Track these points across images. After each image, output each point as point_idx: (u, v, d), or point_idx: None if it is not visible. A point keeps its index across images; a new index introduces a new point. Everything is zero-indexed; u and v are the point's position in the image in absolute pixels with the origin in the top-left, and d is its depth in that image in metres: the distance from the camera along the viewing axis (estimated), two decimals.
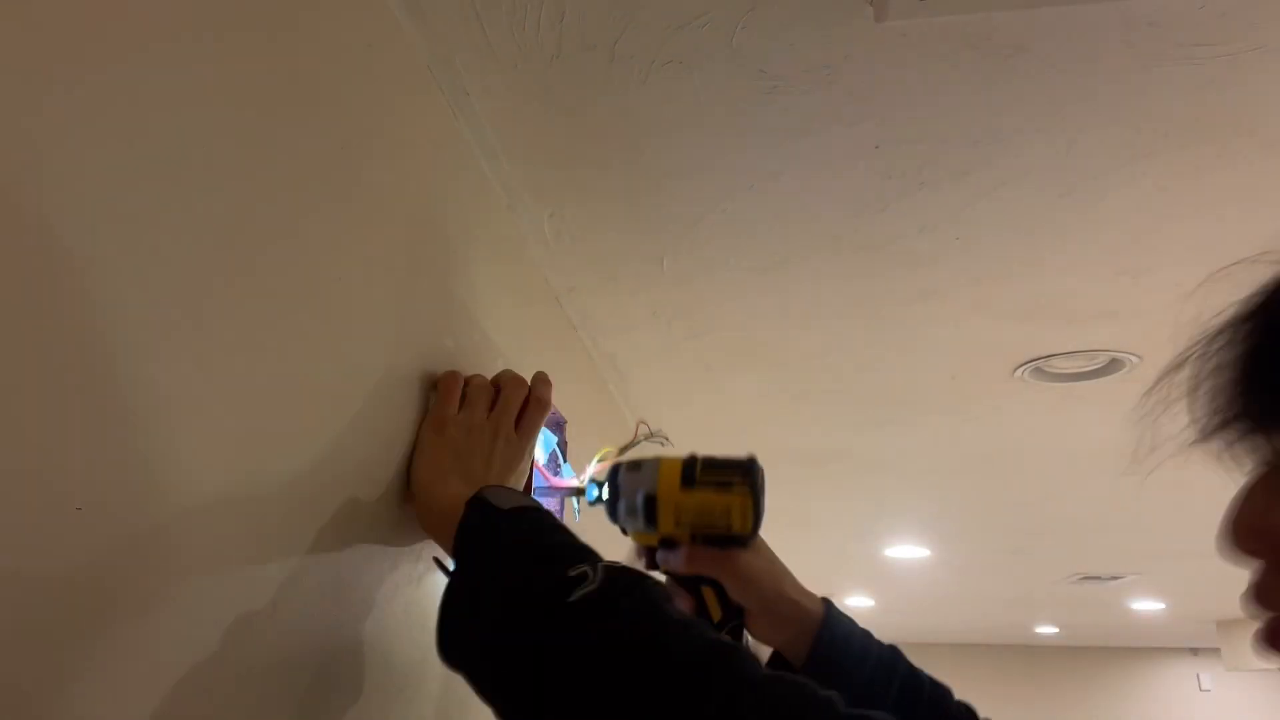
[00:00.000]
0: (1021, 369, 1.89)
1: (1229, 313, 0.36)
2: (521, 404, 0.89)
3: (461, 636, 0.62)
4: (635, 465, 0.85)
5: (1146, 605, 5.54)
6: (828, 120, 1.10)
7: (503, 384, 0.90)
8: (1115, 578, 4.52)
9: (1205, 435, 0.37)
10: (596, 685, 0.51)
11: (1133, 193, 1.24)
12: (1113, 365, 1.85)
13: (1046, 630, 7.15)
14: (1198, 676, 8.01)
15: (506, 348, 1.23)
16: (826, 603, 0.85)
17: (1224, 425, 0.36)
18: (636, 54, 0.99)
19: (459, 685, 0.61)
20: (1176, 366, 0.38)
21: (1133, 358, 1.81)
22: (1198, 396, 0.37)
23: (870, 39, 0.96)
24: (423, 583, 0.91)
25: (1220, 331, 0.36)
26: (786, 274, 1.50)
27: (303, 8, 0.74)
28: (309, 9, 0.75)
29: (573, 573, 0.56)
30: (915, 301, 1.59)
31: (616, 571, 0.58)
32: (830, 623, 0.81)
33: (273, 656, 0.65)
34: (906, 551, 3.94)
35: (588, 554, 0.62)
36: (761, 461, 0.83)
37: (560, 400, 1.11)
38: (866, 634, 0.84)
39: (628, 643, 0.52)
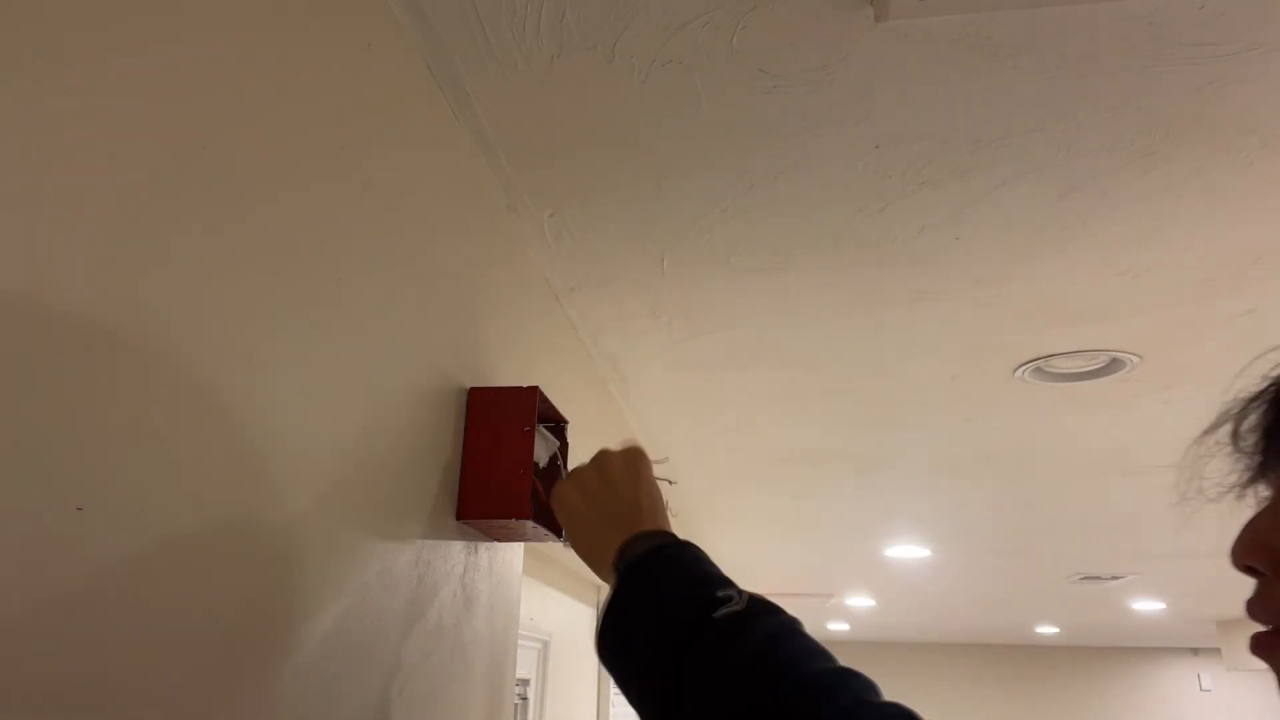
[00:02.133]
0: (1021, 369, 1.89)
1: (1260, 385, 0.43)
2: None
3: (616, 641, 0.68)
4: None
5: (1146, 605, 5.54)
6: (828, 120, 1.10)
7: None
8: (1115, 578, 4.52)
9: (1242, 482, 0.43)
10: (731, 691, 0.58)
11: (1133, 193, 1.24)
12: (1113, 365, 1.85)
13: (1046, 630, 7.16)
14: (1198, 676, 8.01)
15: (506, 348, 1.23)
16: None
17: (1254, 472, 0.43)
18: (636, 54, 0.99)
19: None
20: (1214, 427, 0.45)
21: (1133, 358, 1.81)
22: (1237, 448, 0.43)
23: (870, 39, 0.96)
24: (422, 583, 0.91)
25: (1252, 398, 0.43)
26: (786, 274, 1.50)
27: (303, 8, 0.74)
28: (309, 9, 0.75)
29: (720, 594, 0.64)
30: (916, 301, 1.59)
31: (759, 599, 0.65)
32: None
33: (271, 655, 0.65)
34: (906, 551, 3.94)
35: (733, 584, 0.69)
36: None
37: (560, 400, 1.11)
38: None
39: (764, 656, 0.59)
